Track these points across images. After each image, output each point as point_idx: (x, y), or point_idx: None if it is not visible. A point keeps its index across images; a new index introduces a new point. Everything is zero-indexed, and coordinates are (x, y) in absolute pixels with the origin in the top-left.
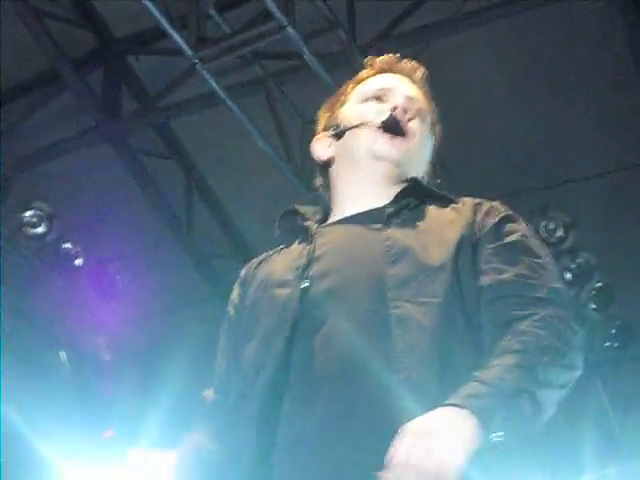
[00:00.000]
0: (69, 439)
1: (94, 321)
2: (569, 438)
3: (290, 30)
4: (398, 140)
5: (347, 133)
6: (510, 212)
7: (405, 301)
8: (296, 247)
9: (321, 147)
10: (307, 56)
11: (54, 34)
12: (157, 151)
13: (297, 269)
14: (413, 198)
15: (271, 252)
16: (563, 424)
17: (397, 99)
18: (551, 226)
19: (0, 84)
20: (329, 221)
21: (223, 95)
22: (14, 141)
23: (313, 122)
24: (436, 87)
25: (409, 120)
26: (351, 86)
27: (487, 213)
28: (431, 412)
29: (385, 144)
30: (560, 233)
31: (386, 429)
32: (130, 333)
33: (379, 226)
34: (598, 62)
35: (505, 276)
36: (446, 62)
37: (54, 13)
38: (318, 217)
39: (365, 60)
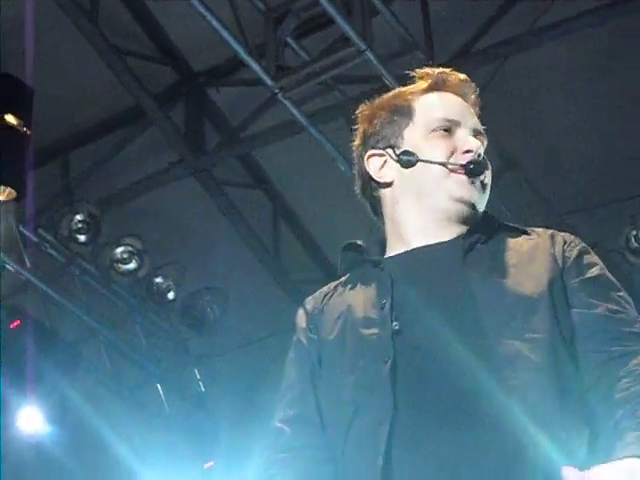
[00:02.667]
0: (172, 470)
1: (187, 354)
2: None
3: (369, 54)
4: (478, 184)
5: (418, 166)
6: (584, 244)
7: (508, 338)
8: (368, 282)
9: (379, 165)
10: (386, 78)
11: (135, 71)
12: (242, 182)
13: (381, 308)
14: (485, 232)
15: (334, 285)
16: None
17: (469, 141)
18: None
19: (84, 123)
20: (395, 251)
21: (304, 122)
22: (102, 179)
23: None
24: (516, 102)
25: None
26: (412, 98)
27: (565, 245)
28: (604, 466)
29: (468, 189)
30: None
31: (507, 464)
32: (224, 364)
33: (458, 260)
34: None
35: (598, 311)
36: (525, 77)
37: (134, 50)
38: (378, 249)
39: (418, 71)
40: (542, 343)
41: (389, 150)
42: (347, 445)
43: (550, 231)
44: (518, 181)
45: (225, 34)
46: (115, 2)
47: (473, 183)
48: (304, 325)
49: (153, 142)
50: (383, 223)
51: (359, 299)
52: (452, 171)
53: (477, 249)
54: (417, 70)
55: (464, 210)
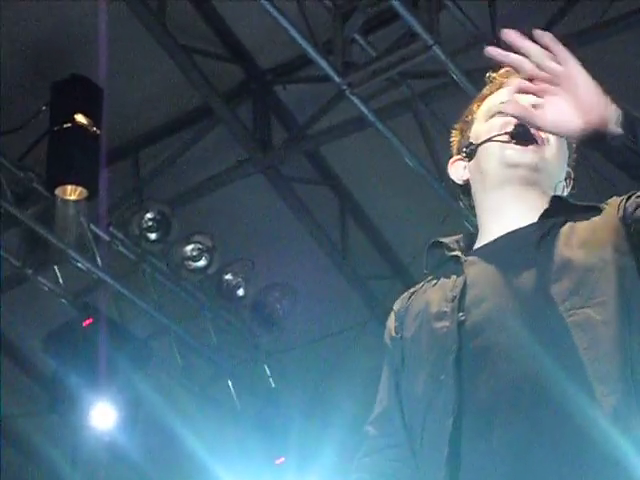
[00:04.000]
0: (244, 466)
1: (257, 350)
2: None
3: (436, 49)
4: (530, 147)
5: (479, 150)
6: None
7: (579, 308)
8: (447, 278)
9: (456, 170)
10: (454, 73)
11: (203, 70)
12: (309, 178)
13: (452, 300)
14: (559, 217)
15: (421, 284)
16: None
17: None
18: None
19: (153, 122)
20: (476, 246)
21: (372, 118)
22: (171, 177)
23: None
24: None
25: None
26: (476, 105)
27: (628, 196)
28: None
29: (516, 150)
30: None
31: (578, 451)
32: (294, 360)
33: (531, 248)
34: None
35: None
36: (595, 69)
37: (202, 49)
38: (463, 244)
39: (486, 76)
40: (612, 303)
41: (462, 151)
42: (423, 440)
43: (618, 197)
44: (589, 174)
45: (292, 31)
46: (182, 2)
47: (526, 146)
48: (391, 326)
49: (221, 140)
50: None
51: (437, 295)
52: (506, 139)
53: (550, 235)
54: (488, 74)
55: (525, 175)
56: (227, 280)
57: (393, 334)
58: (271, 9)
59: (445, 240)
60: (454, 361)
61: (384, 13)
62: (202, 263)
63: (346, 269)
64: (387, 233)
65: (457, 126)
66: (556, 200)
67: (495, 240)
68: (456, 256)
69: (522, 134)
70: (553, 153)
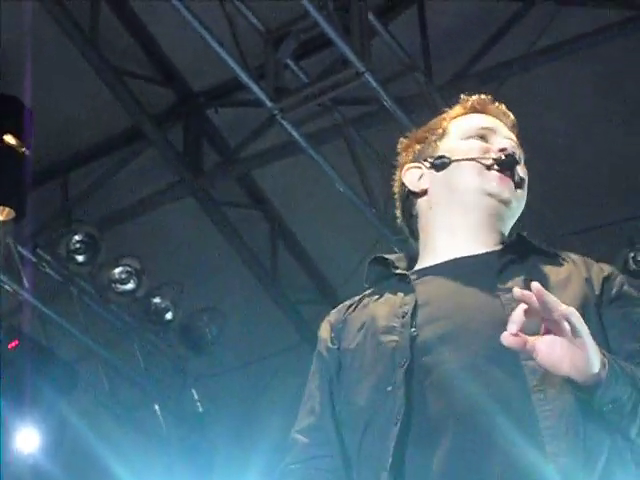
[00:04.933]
0: None
1: (185, 374)
2: None
3: (367, 76)
4: (509, 181)
5: (452, 166)
6: (622, 275)
7: None
8: (393, 294)
9: (412, 177)
10: (385, 100)
11: (134, 92)
12: (240, 202)
13: (403, 317)
14: (519, 252)
15: (358, 297)
16: None
17: (503, 142)
18: (639, 257)
19: (83, 143)
20: (425, 264)
21: (303, 143)
22: (100, 199)
23: (394, 166)
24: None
25: (517, 164)
26: (447, 121)
27: (604, 273)
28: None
29: (501, 184)
30: None
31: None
32: (222, 385)
33: (492, 275)
34: None
35: (632, 347)
36: (524, 98)
37: (134, 71)
38: (404, 264)
39: (462, 98)
40: None
41: (425, 162)
42: (362, 449)
43: (585, 258)
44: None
45: (224, 55)
46: (114, 23)
47: (506, 178)
48: (326, 336)
49: (152, 163)
50: (417, 241)
51: (384, 310)
52: (486, 167)
53: (511, 269)
54: (462, 96)
55: (497, 207)
56: (155, 303)
57: (329, 345)
58: (203, 32)
59: (389, 257)
60: (405, 374)
61: (316, 39)
62: (130, 286)
63: (276, 293)
64: (317, 258)
65: (416, 134)
66: (520, 237)
67: (448, 262)
68: (403, 274)
69: (508, 165)
70: (523, 197)
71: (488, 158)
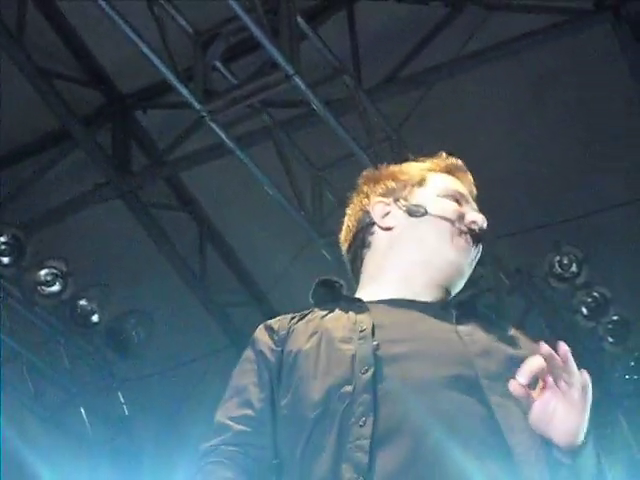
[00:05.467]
0: None
1: (112, 377)
2: None
3: (296, 79)
4: (474, 250)
5: (426, 218)
6: None
7: (501, 395)
8: (344, 312)
9: (381, 211)
10: (314, 103)
11: (62, 93)
12: (169, 204)
13: (361, 331)
14: (467, 314)
15: (298, 313)
16: None
17: (476, 215)
18: (565, 261)
19: (9, 145)
20: (372, 297)
21: (232, 145)
22: (27, 200)
23: (322, 169)
24: (444, 127)
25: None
26: (424, 171)
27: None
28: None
29: (466, 255)
30: (574, 268)
31: None
32: (149, 388)
33: (446, 316)
34: (606, 94)
35: None
36: (452, 102)
37: (61, 72)
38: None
39: (440, 154)
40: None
41: (398, 202)
42: (310, 443)
43: (523, 334)
44: None
45: (153, 57)
46: (42, 24)
47: (470, 251)
48: (267, 339)
49: (80, 164)
50: (356, 266)
51: (337, 324)
52: (458, 233)
53: (469, 320)
54: (440, 153)
55: (454, 275)
56: (81, 306)
57: (272, 346)
58: (132, 34)
59: (338, 280)
60: (370, 381)
61: (245, 42)
62: (56, 288)
63: (204, 296)
64: (246, 261)
65: (388, 171)
66: (470, 298)
67: (400, 300)
68: (354, 298)
69: (478, 238)
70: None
71: (462, 225)
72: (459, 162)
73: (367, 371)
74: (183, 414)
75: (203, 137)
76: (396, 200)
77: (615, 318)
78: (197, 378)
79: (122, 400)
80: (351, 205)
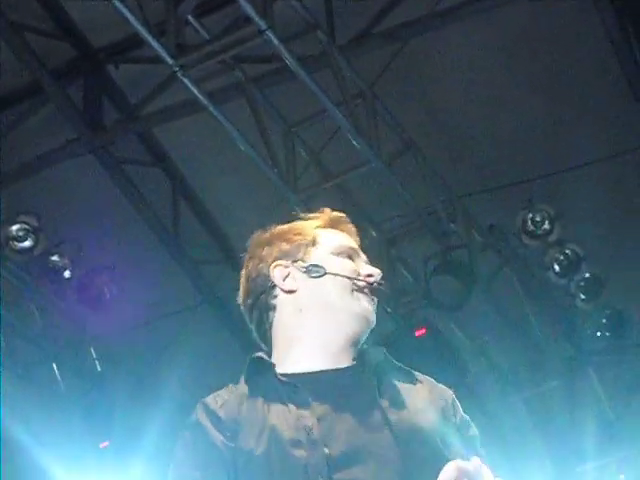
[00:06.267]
0: (68, 449)
1: (84, 333)
2: (567, 427)
3: (269, 34)
4: (373, 304)
5: (326, 277)
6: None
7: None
8: (283, 404)
9: (281, 275)
10: (287, 59)
11: (33, 46)
12: (141, 160)
13: (307, 431)
14: (381, 368)
15: (237, 392)
16: (561, 413)
17: (369, 268)
18: (537, 219)
19: None
20: (292, 368)
21: (205, 101)
22: None
23: (295, 125)
24: (417, 84)
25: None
26: (312, 229)
27: (452, 402)
28: None
29: (370, 307)
30: (546, 225)
31: None
32: (121, 343)
33: (370, 392)
34: (579, 53)
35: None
36: (425, 58)
37: (32, 26)
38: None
39: (321, 210)
40: None
41: (296, 263)
42: None
43: (427, 377)
44: (418, 164)
45: (125, 11)
46: None
47: (372, 302)
48: (216, 431)
49: (51, 119)
50: (268, 334)
51: (280, 418)
52: (357, 289)
53: (386, 385)
54: (321, 209)
55: (364, 327)
56: (53, 262)
57: (225, 441)
58: None
59: (267, 358)
60: None
61: None
62: (28, 244)
63: (177, 252)
64: (219, 217)
65: (278, 232)
66: (382, 352)
67: (325, 372)
68: (288, 380)
69: (376, 293)
70: None
71: (361, 281)
72: (342, 215)
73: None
74: (155, 369)
75: (176, 92)
76: (294, 262)
77: (587, 275)
78: (169, 334)
79: (94, 356)
80: (246, 269)
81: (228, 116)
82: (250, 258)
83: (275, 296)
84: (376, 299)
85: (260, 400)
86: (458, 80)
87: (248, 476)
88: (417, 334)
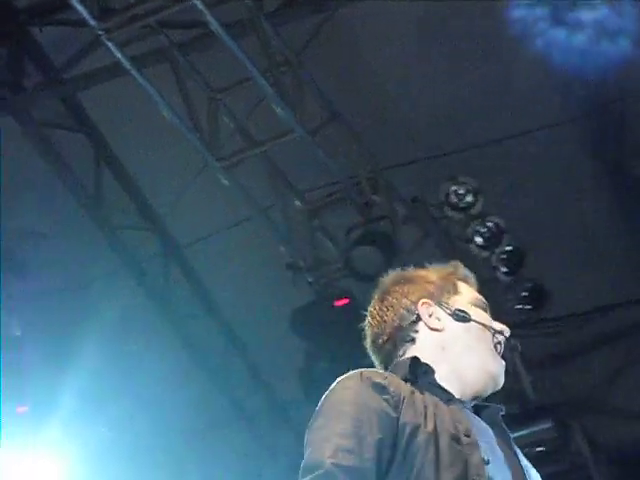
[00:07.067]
0: None
1: (5, 297)
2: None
3: None
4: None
5: (472, 324)
6: None
7: None
8: (441, 403)
9: (428, 312)
10: (212, 24)
11: None
12: (64, 124)
13: (466, 433)
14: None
15: (406, 384)
16: None
17: (501, 325)
18: (460, 191)
19: None
20: (455, 392)
21: (129, 66)
22: None
23: (219, 91)
24: (345, 54)
25: None
26: (454, 278)
27: None
28: None
29: (501, 362)
30: (469, 198)
31: None
32: (40, 308)
33: (507, 436)
34: (503, 26)
35: None
36: (352, 28)
37: None
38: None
39: (456, 264)
40: None
41: (442, 306)
42: None
43: None
44: (343, 134)
45: None
46: None
47: (502, 362)
48: (384, 402)
49: None
50: (390, 356)
51: (442, 412)
52: (496, 342)
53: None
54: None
55: (492, 386)
56: None
57: (390, 410)
58: None
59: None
60: None
61: None
62: None
63: (98, 217)
64: (142, 183)
65: (422, 273)
66: (499, 408)
67: (482, 406)
68: (453, 396)
69: (504, 347)
70: None
71: (499, 335)
72: (471, 273)
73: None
74: (74, 335)
75: (100, 56)
76: (439, 304)
77: (509, 248)
78: (90, 301)
79: (12, 320)
80: (383, 301)
81: (152, 81)
82: (389, 292)
83: (417, 331)
84: (503, 362)
85: (419, 392)
86: (385, 51)
87: (415, 445)
88: (337, 304)
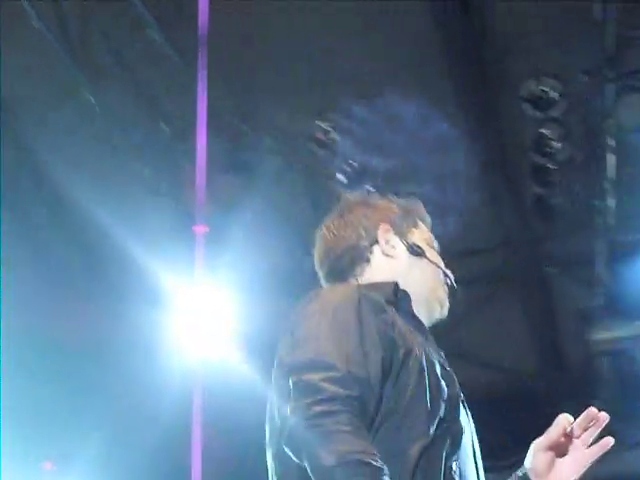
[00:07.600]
0: None
1: None
2: None
3: None
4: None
5: (425, 260)
6: None
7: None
8: (419, 334)
9: (386, 239)
10: None
11: None
12: None
13: (443, 367)
14: None
15: (385, 303)
16: None
17: (450, 273)
18: (328, 128)
19: None
20: (422, 322)
21: None
22: None
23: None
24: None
25: None
26: (413, 212)
27: None
28: None
29: (446, 297)
30: (334, 135)
31: None
32: None
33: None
34: None
35: None
36: None
37: None
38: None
39: (415, 201)
40: None
41: (400, 237)
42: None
43: None
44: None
45: None
46: None
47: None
48: (386, 318)
49: None
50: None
51: (419, 339)
52: (444, 281)
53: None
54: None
55: (437, 316)
56: None
57: (389, 330)
58: None
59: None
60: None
61: None
62: None
63: None
64: (9, 102)
65: (386, 203)
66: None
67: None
68: (420, 320)
69: (453, 289)
70: None
71: (446, 277)
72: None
73: (458, 413)
74: None
75: None
76: (398, 233)
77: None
78: None
79: None
80: (345, 217)
81: None
82: (351, 210)
83: (372, 252)
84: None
85: (401, 318)
86: None
87: (407, 369)
88: (196, 231)
